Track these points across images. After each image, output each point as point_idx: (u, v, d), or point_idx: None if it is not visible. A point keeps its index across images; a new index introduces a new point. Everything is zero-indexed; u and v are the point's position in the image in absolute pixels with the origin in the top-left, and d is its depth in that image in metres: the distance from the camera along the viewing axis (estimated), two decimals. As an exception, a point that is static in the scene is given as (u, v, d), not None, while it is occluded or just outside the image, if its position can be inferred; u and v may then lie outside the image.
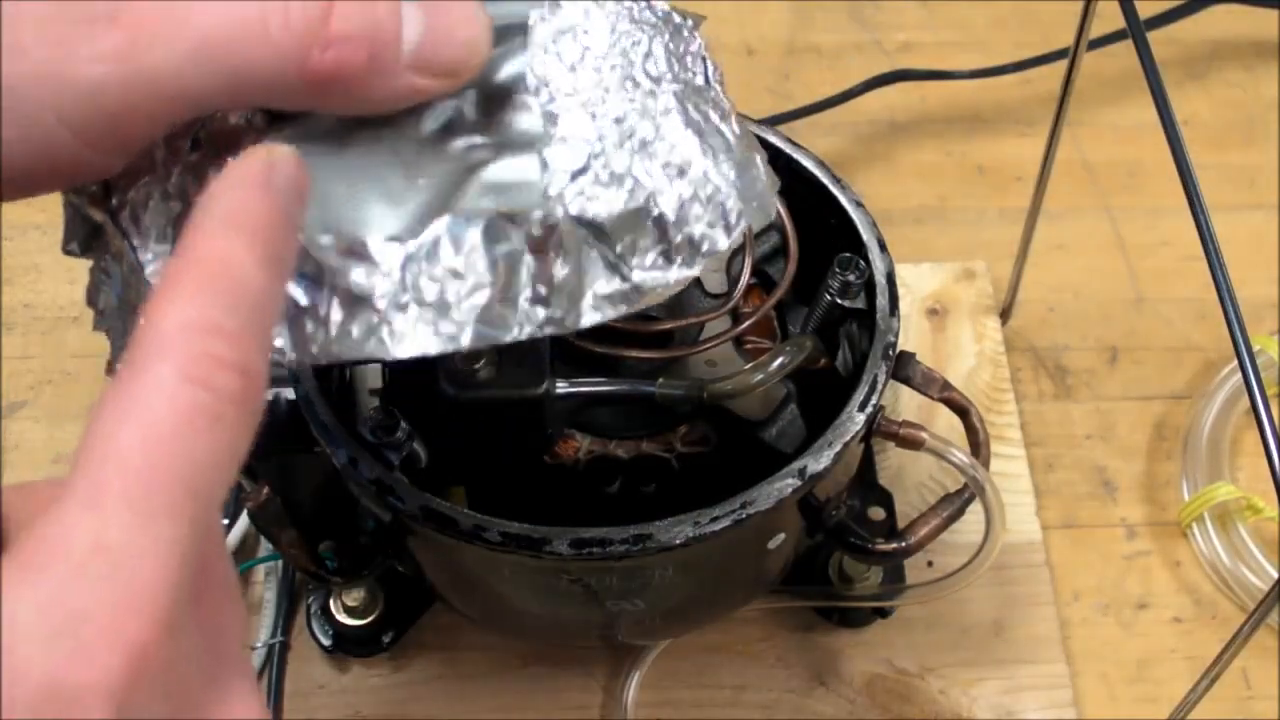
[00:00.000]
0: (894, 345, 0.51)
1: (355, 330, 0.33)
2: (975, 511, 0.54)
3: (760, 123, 0.58)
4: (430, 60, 0.30)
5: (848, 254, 0.53)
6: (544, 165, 0.34)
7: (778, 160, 0.56)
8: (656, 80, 0.37)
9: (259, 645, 0.61)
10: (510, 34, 0.35)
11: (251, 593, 0.63)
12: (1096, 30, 0.59)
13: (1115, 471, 0.70)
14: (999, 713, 0.62)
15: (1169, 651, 0.64)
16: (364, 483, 0.47)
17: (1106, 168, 0.81)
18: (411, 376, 0.51)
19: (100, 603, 0.23)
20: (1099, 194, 0.80)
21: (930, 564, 0.64)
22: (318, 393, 0.49)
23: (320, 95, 0.30)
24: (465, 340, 0.34)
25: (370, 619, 0.60)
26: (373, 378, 0.55)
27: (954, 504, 0.54)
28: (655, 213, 0.35)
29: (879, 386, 0.50)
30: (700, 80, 0.39)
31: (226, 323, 0.26)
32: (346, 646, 0.61)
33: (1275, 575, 0.64)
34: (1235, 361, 0.51)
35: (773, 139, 0.56)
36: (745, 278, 0.52)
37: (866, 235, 0.54)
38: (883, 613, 0.63)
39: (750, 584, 0.57)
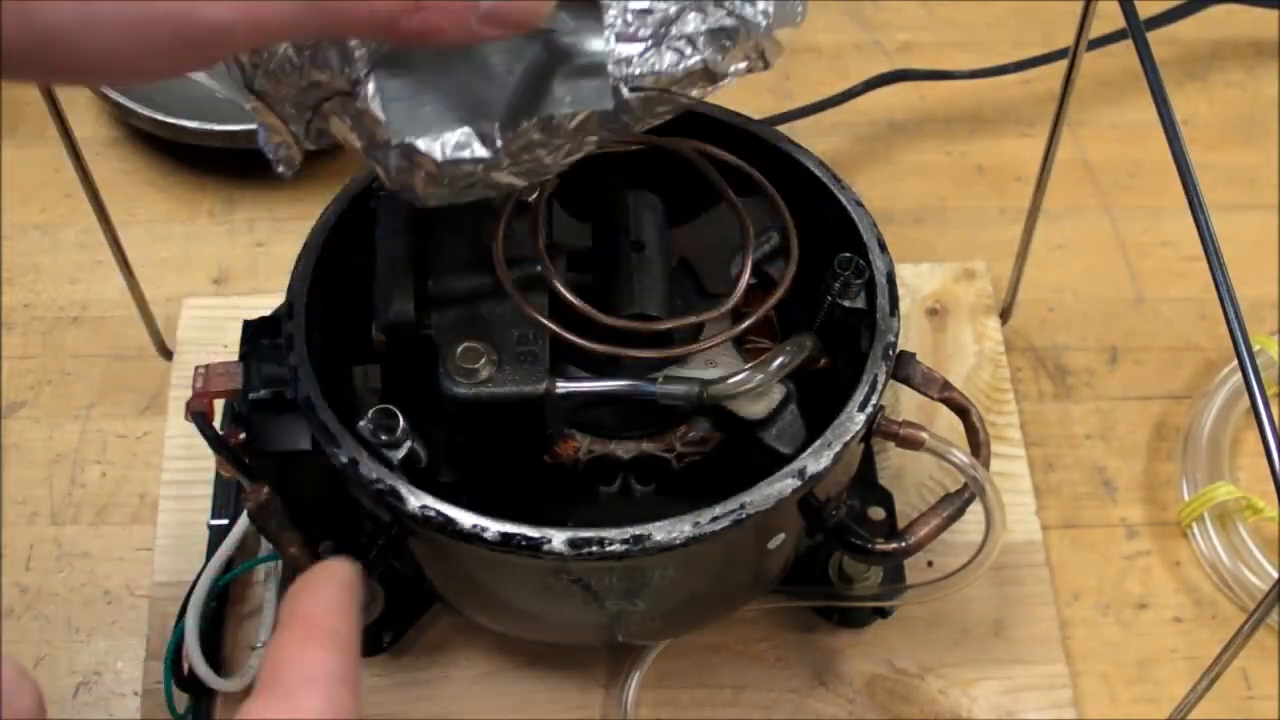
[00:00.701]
0: (894, 345, 0.51)
1: (463, 186, 0.42)
2: (975, 511, 0.54)
3: (760, 123, 0.58)
4: (501, 17, 0.35)
5: (848, 254, 0.53)
6: (612, 54, 0.41)
7: (778, 159, 0.56)
8: None
9: (259, 645, 0.61)
10: None
11: (252, 593, 0.63)
12: (1096, 30, 0.59)
13: (1115, 471, 0.70)
14: (999, 713, 0.62)
15: (1169, 651, 0.64)
16: (364, 483, 0.47)
17: (1106, 168, 0.81)
18: (412, 376, 0.51)
19: None
20: (1099, 194, 0.80)
21: (930, 564, 0.64)
22: (318, 393, 0.49)
23: (402, 42, 0.36)
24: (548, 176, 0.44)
25: (370, 619, 0.60)
26: (373, 377, 0.55)
27: (954, 504, 0.54)
28: (704, 70, 0.42)
29: (879, 386, 0.50)
30: None
31: (346, 674, 0.35)
32: (346, 646, 0.61)
33: (1275, 575, 0.64)
34: (1235, 361, 0.51)
35: (773, 139, 0.56)
36: (745, 278, 0.52)
37: (866, 235, 0.54)
38: (883, 613, 0.63)
39: (750, 584, 0.58)
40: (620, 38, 0.41)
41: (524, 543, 0.46)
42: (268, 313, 0.54)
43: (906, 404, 0.65)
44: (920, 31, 0.87)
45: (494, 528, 0.46)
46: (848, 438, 0.49)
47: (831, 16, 0.87)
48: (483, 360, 0.48)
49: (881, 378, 0.50)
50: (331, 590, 0.37)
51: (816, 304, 0.54)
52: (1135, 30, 0.48)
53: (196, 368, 0.52)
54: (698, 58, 0.41)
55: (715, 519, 0.47)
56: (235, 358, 0.54)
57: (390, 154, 0.41)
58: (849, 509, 0.57)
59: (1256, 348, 0.70)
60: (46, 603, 0.64)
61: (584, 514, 0.51)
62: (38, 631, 0.63)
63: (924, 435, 0.52)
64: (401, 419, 0.48)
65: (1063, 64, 0.58)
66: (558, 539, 0.46)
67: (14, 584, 0.64)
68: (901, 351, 0.53)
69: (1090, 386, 0.72)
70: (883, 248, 0.54)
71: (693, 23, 0.41)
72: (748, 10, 0.42)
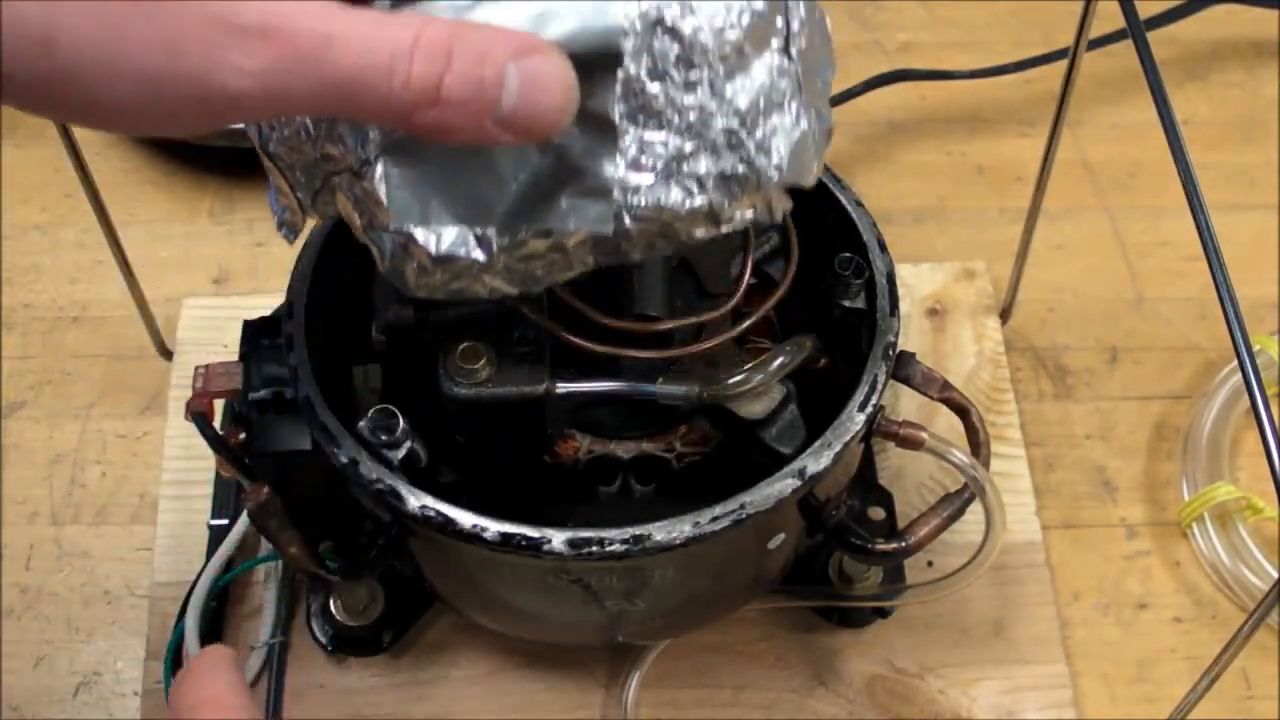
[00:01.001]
0: (894, 345, 0.51)
1: (454, 283, 0.42)
2: (975, 511, 0.54)
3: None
4: (516, 124, 0.35)
5: (848, 254, 0.53)
6: (621, 180, 0.40)
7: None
8: (730, 70, 0.40)
9: (259, 645, 0.61)
10: (600, 63, 0.38)
11: (251, 593, 0.63)
12: (1096, 30, 0.59)
13: (1115, 471, 0.70)
14: (999, 713, 0.62)
15: (1169, 651, 0.64)
16: (364, 483, 0.47)
17: (1106, 168, 0.81)
18: (412, 376, 0.51)
19: None
20: (1099, 194, 0.80)
21: (930, 564, 0.64)
22: (318, 394, 0.49)
23: (415, 133, 0.35)
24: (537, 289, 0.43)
25: (370, 619, 0.60)
26: (373, 377, 0.55)
27: (954, 504, 0.54)
28: (709, 212, 0.41)
29: (879, 386, 0.50)
30: (779, 44, 0.42)
31: None
32: (346, 646, 0.61)
33: (1275, 575, 0.64)
34: (1235, 361, 0.51)
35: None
36: (745, 278, 0.52)
37: (866, 235, 0.54)
38: (883, 613, 0.63)
39: (750, 584, 0.58)
40: (631, 165, 0.40)
41: (524, 543, 0.46)
42: (268, 313, 0.54)
43: (906, 404, 0.65)
44: (920, 31, 0.87)
45: (494, 528, 0.46)
46: (848, 438, 0.49)
47: (831, 16, 0.86)
48: (483, 360, 0.48)
49: (881, 378, 0.50)
50: (228, 672, 0.39)
51: (816, 304, 0.54)
52: (1135, 30, 0.48)
53: (196, 368, 0.52)
54: (704, 199, 0.41)
55: (715, 519, 0.47)
56: (235, 358, 0.54)
57: (386, 238, 0.41)
58: (849, 509, 0.57)
59: (1256, 348, 0.70)
60: (46, 603, 0.64)
61: (584, 514, 0.51)
62: (38, 631, 0.63)
63: (924, 435, 0.52)
64: (401, 419, 0.48)
65: (1063, 64, 0.58)
66: (558, 539, 0.46)
67: (14, 584, 0.64)
68: (901, 351, 0.53)
69: (1090, 386, 0.72)
70: (883, 248, 0.54)
71: (704, 164, 0.41)
72: (760, 160, 0.41)
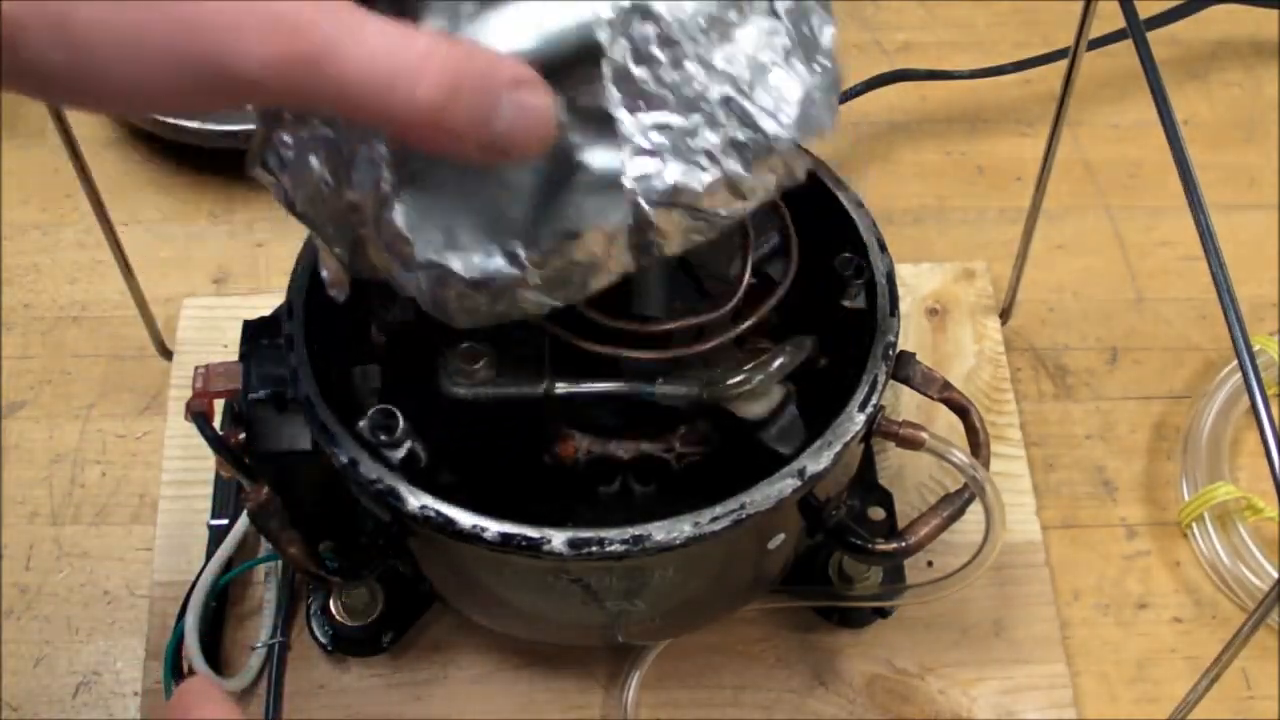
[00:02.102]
0: (894, 345, 0.51)
1: (497, 306, 0.42)
2: (975, 511, 0.54)
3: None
4: (494, 150, 0.36)
5: (848, 254, 0.53)
6: (628, 168, 0.40)
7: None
8: (715, 39, 0.40)
9: (259, 645, 0.61)
10: (583, 58, 0.39)
11: (251, 593, 0.63)
12: (1096, 30, 0.59)
13: (1115, 471, 0.70)
14: (999, 713, 0.62)
15: (1169, 651, 0.64)
16: (364, 483, 0.47)
17: (1106, 168, 0.81)
18: (412, 376, 0.51)
19: None
20: (1099, 194, 0.80)
21: (930, 564, 0.64)
22: (317, 394, 0.49)
23: (409, 144, 0.37)
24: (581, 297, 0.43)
25: (370, 619, 0.60)
26: (373, 377, 0.55)
27: (954, 504, 0.54)
28: (729, 184, 0.41)
29: (879, 386, 0.50)
30: (765, 7, 0.41)
31: None
32: (346, 646, 0.61)
33: (1275, 575, 0.64)
34: (1235, 361, 0.51)
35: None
36: (745, 278, 0.52)
37: (866, 235, 0.54)
38: (883, 613, 0.63)
39: (750, 584, 0.58)
40: (637, 152, 0.40)
41: (524, 543, 0.46)
42: (268, 313, 0.54)
43: (906, 404, 0.65)
44: (920, 31, 0.87)
45: (494, 528, 0.46)
46: (848, 438, 0.49)
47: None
48: (483, 360, 0.48)
49: (881, 378, 0.50)
50: (225, 703, 0.39)
51: (816, 304, 0.54)
52: (1135, 30, 0.48)
53: (196, 368, 0.52)
54: (717, 172, 0.40)
55: (715, 519, 0.47)
56: (235, 358, 0.54)
57: (422, 276, 0.41)
58: (849, 509, 0.57)
59: (1256, 348, 0.70)
60: (46, 603, 0.64)
61: (584, 514, 0.51)
62: (38, 631, 0.63)
63: (924, 435, 0.52)
64: (401, 419, 0.48)
65: (1063, 64, 0.58)
66: (558, 539, 0.46)
67: (14, 584, 0.64)
68: (901, 351, 0.53)
69: (1090, 386, 0.72)
70: (883, 248, 0.54)
71: (709, 136, 0.40)
72: (767, 123, 0.41)
